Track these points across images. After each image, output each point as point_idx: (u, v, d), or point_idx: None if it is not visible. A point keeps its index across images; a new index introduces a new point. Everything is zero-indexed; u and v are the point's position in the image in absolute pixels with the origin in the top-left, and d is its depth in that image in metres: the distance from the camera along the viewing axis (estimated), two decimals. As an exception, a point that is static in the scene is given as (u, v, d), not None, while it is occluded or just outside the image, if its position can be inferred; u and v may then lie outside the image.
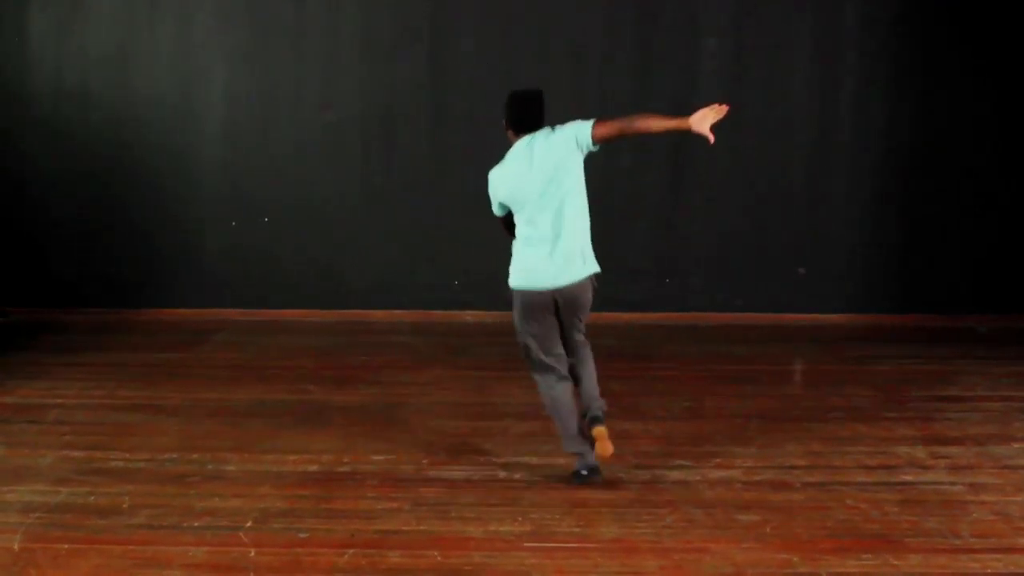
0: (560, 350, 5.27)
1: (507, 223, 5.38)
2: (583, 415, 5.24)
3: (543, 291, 5.14)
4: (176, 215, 9.71)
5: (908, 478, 5.42)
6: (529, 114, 5.24)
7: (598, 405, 5.23)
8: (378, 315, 9.57)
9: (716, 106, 4.99)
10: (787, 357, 8.42)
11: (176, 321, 9.45)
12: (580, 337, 5.31)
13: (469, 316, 9.50)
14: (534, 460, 5.60)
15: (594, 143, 5.11)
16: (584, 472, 5.25)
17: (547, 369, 5.26)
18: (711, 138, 4.98)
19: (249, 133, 9.66)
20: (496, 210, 5.38)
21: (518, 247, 5.27)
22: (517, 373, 7.03)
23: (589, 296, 5.25)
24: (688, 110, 4.99)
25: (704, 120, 4.98)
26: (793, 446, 5.92)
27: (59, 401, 6.78)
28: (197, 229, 9.72)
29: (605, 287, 9.48)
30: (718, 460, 5.65)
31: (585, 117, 5.16)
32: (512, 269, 5.26)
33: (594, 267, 5.23)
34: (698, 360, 8.21)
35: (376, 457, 5.67)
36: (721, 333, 9.17)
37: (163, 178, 9.65)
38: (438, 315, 9.55)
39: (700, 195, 9.67)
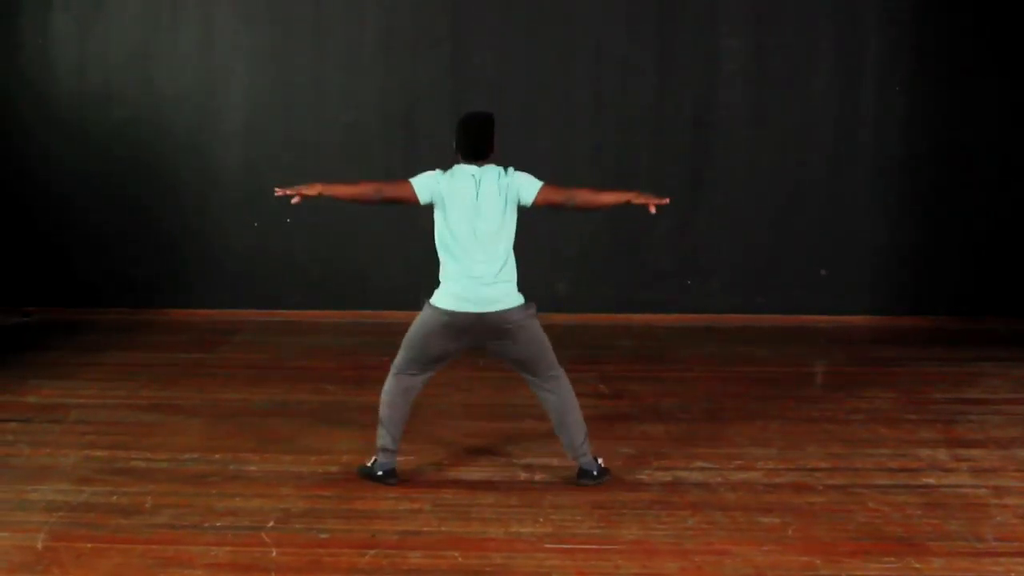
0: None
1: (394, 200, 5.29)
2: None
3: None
4: (197, 215, 9.76)
5: (930, 481, 5.40)
6: (483, 142, 5.17)
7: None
8: (398, 316, 9.53)
9: (657, 200, 5.12)
10: (808, 358, 8.40)
11: (197, 321, 9.49)
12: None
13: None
14: (554, 461, 5.58)
15: (533, 205, 5.12)
16: (380, 473, 5.28)
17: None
18: (652, 208, 5.11)
19: (270, 133, 9.68)
20: (422, 195, 5.14)
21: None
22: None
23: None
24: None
25: (647, 199, 5.14)
26: (814, 448, 5.90)
27: (81, 401, 6.82)
28: (218, 229, 9.76)
29: (626, 288, 9.66)
30: (739, 462, 5.64)
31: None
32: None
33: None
34: (718, 361, 8.20)
35: (397, 458, 5.66)
36: (741, 334, 9.16)
37: (185, 178, 9.70)
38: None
39: (720, 196, 9.66)
